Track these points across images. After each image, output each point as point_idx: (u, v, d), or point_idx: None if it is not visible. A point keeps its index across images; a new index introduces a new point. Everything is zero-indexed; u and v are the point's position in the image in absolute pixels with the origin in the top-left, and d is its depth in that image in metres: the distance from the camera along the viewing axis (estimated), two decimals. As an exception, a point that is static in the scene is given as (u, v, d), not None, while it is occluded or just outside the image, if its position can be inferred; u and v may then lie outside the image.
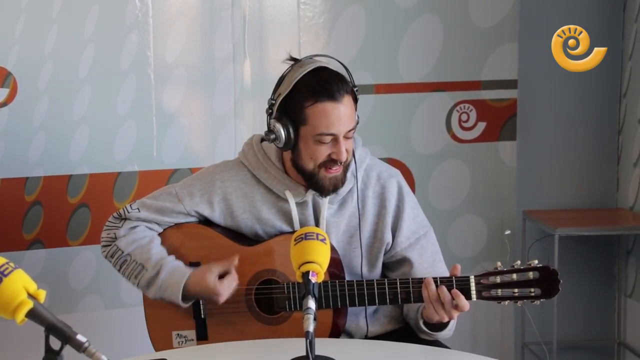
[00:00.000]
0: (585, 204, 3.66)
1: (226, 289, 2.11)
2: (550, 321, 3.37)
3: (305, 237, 1.80)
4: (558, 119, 3.61)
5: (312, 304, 1.68)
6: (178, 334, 2.22)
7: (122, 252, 2.19)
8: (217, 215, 2.21)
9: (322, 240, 1.80)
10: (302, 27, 3.26)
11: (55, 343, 1.39)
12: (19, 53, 2.97)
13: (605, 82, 3.59)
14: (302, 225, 2.16)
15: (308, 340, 1.64)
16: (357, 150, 2.17)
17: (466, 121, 3.44)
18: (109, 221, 2.25)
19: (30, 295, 1.40)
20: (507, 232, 3.43)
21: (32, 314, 1.39)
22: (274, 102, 2.10)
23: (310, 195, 2.15)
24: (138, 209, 2.22)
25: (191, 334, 2.20)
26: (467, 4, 3.36)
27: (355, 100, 2.09)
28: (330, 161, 2.06)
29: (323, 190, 2.11)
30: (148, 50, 3.11)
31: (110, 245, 2.22)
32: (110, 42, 3.07)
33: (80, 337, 1.39)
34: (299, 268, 1.76)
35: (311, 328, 1.65)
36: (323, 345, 1.80)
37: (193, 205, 2.20)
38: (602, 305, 3.68)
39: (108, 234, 2.23)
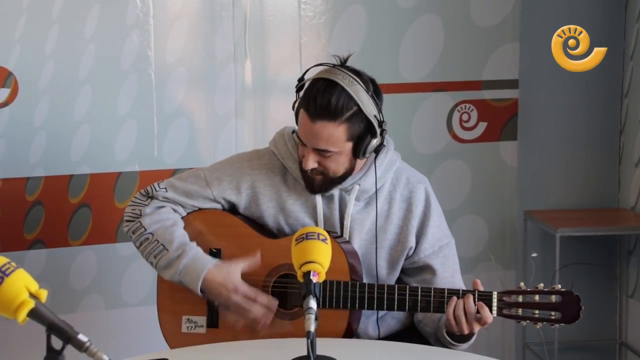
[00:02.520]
0: (587, 204, 3.66)
1: (245, 288, 2.12)
2: (551, 321, 3.37)
3: (307, 237, 1.80)
4: (559, 119, 3.61)
5: (313, 303, 1.69)
6: (188, 319, 2.21)
7: (145, 230, 2.19)
8: (243, 201, 2.22)
9: (324, 240, 1.81)
10: (303, 27, 3.26)
11: (56, 343, 1.39)
12: (19, 53, 2.97)
13: (607, 82, 3.59)
14: (326, 218, 2.17)
15: (309, 340, 1.65)
16: (389, 152, 2.19)
17: (467, 121, 3.44)
18: (136, 197, 2.26)
19: (31, 295, 1.40)
20: (534, 254, 3.42)
21: (34, 314, 1.39)
22: (303, 78, 2.13)
23: (337, 190, 2.16)
24: (165, 188, 2.23)
25: (202, 320, 2.20)
26: (468, 4, 3.36)
27: (356, 125, 2.05)
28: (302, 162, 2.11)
29: (303, 181, 2.15)
30: (149, 50, 3.11)
31: (133, 221, 2.22)
32: (111, 42, 3.07)
33: (81, 337, 1.39)
34: (300, 268, 1.77)
35: (312, 328, 1.65)
36: (325, 345, 1.79)
37: (221, 191, 2.21)
38: (603, 306, 3.68)
39: (133, 210, 2.24)
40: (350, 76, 2.04)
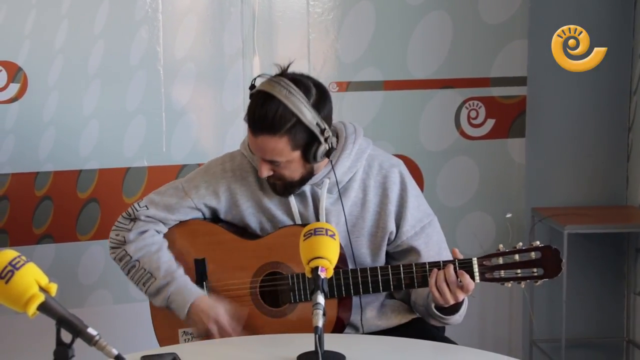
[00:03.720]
0: (595, 201, 3.65)
1: (227, 325, 2.15)
2: (559, 318, 3.37)
3: (315, 232, 1.81)
4: (567, 116, 3.60)
5: (321, 299, 1.69)
6: (184, 332, 2.23)
7: (131, 258, 2.21)
8: (223, 206, 2.23)
9: (332, 236, 1.81)
10: (312, 23, 3.26)
11: (66, 336, 1.40)
12: (29, 48, 2.98)
13: (615, 79, 3.58)
14: (302, 215, 2.18)
15: (317, 336, 1.65)
16: (357, 140, 2.18)
17: (475, 118, 3.44)
18: (119, 221, 2.26)
19: (41, 289, 1.40)
20: (508, 215, 3.43)
21: (44, 307, 1.40)
22: (254, 86, 2.12)
23: (308, 186, 2.17)
24: (146, 206, 2.23)
25: (197, 331, 2.21)
26: (477, 1, 3.36)
27: (299, 135, 2.03)
28: None
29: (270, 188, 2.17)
30: (158, 45, 3.12)
31: (119, 248, 2.23)
32: (120, 37, 3.08)
33: (91, 331, 1.40)
34: (308, 263, 1.77)
35: (320, 323, 1.65)
36: (331, 341, 1.80)
37: (200, 198, 2.22)
38: (611, 303, 3.67)
39: (117, 236, 2.24)
40: (288, 87, 2.01)
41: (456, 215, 3.44)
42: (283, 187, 2.14)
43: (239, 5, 3.19)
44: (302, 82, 2.05)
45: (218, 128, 3.26)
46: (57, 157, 3.06)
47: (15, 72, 2.97)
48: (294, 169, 2.10)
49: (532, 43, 3.42)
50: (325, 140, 2.05)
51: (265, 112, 2.01)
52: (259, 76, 2.09)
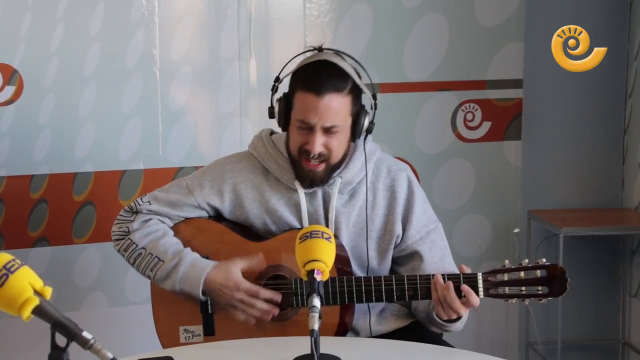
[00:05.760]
0: (590, 203, 3.65)
1: (247, 284, 2.11)
2: (554, 321, 3.37)
3: (311, 235, 1.81)
4: (563, 119, 3.60)
5: (317, 302, 1.69)
6: (185, 329, 2.22)
7: (137, 246, 2.19)
8: (226, 206, 2.22)
9: (327, 239, 1.81)
10: (308, 26, 3.26)
11: (61, 340, 1.39)
12: (25, 51, 2.98)
13: (611, 82, 3.58)
14: (310, 215, 2.17)
15: (313, 339, 1.65)
16: (367, 144, 2.19)
17: (471, 120, 3.44)
18: (120, 215, 2.25)
19: (36, 292, 1.40)
20: (516, 230, 3.44)
21: (38, 311, 1.39)
22: (279, 78, 2.17)
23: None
24: (149, 202, 2.23)
25: (198, 329, 2.21)
26: (473, 4, 3.36)
27: (356, 99, 2.11)
28: (305, 152, 2.09)
29: (301, 179, 2.15)
30: (154, 48, 3.12)
31: (123, 239, 2.22)
32: (116, 40, 3.08)
33: (86, 334, 1.39)
34: (304, 266, 1.77)
35: (316, 326, 1.65)
36: (328, 344, 1.80)
37: (204, 197, 2.21)
38: (606, 305, 3.68)
39: (120, 228, 2.23)
40: (340, 54, 2.14)
41: (452, 217, 3.44)
42: (324, 171, 2.12)
43: (236, 7, 3.19)
44: (341, 54, 2.16)
45: (214, 131, 3.25)
46: (53, 160, 3.05)
47: (10, 75, 2.97)
48: (342, 142, 2.11)
49: (528, 46, 3.42)
50: (372, 106, 2.12)
51: (330, 72, 2.08)
52: (296, 56, 2.17)
